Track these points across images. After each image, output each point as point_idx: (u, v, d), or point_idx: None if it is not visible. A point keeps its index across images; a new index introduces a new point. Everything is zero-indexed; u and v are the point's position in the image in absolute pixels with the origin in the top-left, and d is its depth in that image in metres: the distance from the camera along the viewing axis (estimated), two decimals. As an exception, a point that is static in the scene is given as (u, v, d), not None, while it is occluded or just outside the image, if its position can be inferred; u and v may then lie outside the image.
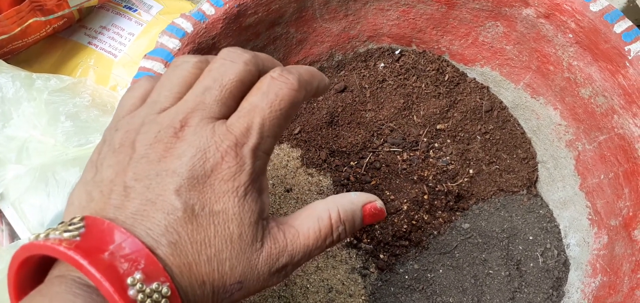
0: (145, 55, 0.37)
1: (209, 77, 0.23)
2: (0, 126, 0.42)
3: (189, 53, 0.38)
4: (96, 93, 0.48)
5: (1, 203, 0.41)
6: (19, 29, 0.48)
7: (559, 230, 0.42)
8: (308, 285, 0.39)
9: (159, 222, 0.20)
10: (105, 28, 0.56)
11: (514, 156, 0.45)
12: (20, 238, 0.42)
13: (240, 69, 0.23)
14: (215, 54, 0.40)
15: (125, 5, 0.57)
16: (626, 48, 0.36)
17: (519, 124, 0.46)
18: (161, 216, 0.20)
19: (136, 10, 0.57)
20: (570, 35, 0.39)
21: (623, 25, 0.36)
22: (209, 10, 0.38)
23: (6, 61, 0.48)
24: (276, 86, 0.23)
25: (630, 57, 0.36)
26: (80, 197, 0.21)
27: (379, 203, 0.26)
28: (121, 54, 0.54)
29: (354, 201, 0.25)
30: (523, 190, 0.44)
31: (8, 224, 0.42)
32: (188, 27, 0.38)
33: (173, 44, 0.37)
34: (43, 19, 0.50)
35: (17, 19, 0.47)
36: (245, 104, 0.22)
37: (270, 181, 0.43)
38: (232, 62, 0.23)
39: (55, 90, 0.45)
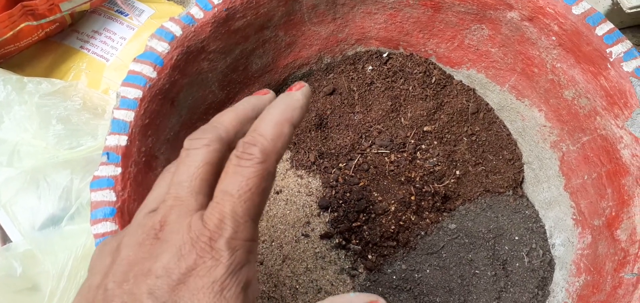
0: (134, 58, 0.37)
1: (178, 172, 0.23)
2: (-10, 130, 0.43)
3: (178, 56, 0.38)
4: (87, 96, 0.48)
5: (-8, 204, 0.41)
6: (11, 33, 0.48)
7: (545, 230, 0.42)
8: (297, 286, 0.40)
9: None
10: (97, 32, 0.56)
11: (500, 157, 0.45)
12: (11, 241, 0.42)
13: (204, 154, 0.23)
14: (204, 58, 0.41)
15: (116, 10, 0.58)
16: (608, 50, 0.36)
17: (504, 126, 0.46)
18: None
19: (127, 14, 0.57)
20: (554, 38, 0.40)
21: (605, 27, 0.37)
22: (198, 14, 0.39)
23: (-1, 65, 0.48)
24: (241, 167, 0.22)
25: (611, 59, 0.36)
26: None
27: (381, 301, 0.23)
28: (113, 58, 0.55)
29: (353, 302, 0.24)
30: (509, 191, 0.44)
31: (0, 227, 0.42)
32: (177, 30, 0.38)
33: (162, 47, 0.37)
34: (35, 23, 0.50)
35: (9, 23, 0.48)
36: (217, 193, 0.22)
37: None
38: (195, 149, 0.23)
39: (47, 94, 0.45)
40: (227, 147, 0.24)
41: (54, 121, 0.44)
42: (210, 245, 0.20)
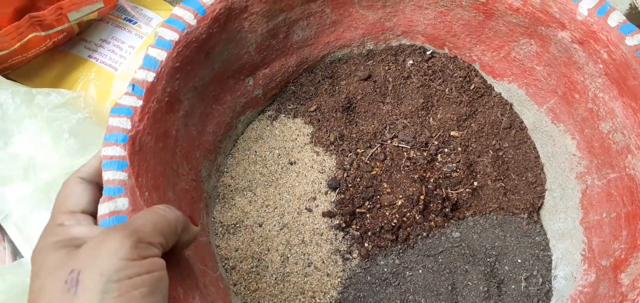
0: (179, 3, 0.38)
1: None
2: (2, 144, 0.42)
3: (220, 9, 0.39)
4: (98, 109, 0.48)
5: (4, 221, 0.41)
6: (19, 44, 0.47)
7: (551, 259, 0.40)
8: (288, 255, 0.40)
9: None
10: (106, 41, 0.55)
11: (523, 178, 0.43)
12: (23, 256, 0.42)
13: None
14: (246, 17, 0.42)
15: (125, 18, 0.56)
16: (654, 88, 0.34)
17: (534, 148, 0.44)
18: None
19: (136, 22, 0.56)
20: (601, 66, 0.37)
21: (655, 64, 0.34)
22: (244, -27, 0.40)
23: (6, 76, 0.47)
24: None
25: (655, 98, 0.34)
26: None
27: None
28: (122, 67, 0.53)
29: None
30: (524, 214, 0.42)
31: (11, 242, 0.42)
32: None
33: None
34: (43, 33, 0.49)
35: (17, 34, 0.47)
36: None
37: (276, 151, 0.45)
38: None
39: (56, 106, 0.44)
40: None
41: (66, 135, 0.43)
42: None
